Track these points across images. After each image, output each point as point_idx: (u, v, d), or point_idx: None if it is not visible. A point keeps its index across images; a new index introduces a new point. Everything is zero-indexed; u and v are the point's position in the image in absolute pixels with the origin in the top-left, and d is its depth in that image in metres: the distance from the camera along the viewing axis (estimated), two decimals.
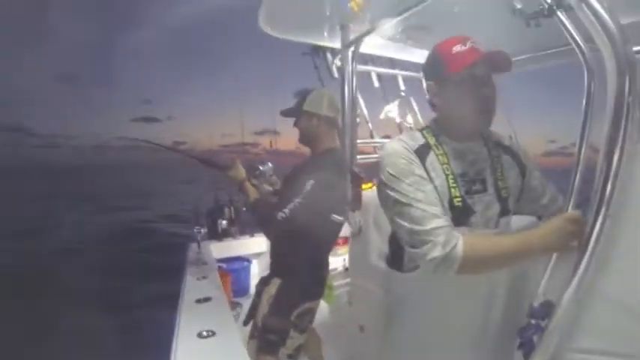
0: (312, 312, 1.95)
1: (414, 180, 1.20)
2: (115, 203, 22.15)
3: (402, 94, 2.63)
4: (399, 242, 1.27)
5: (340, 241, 3.69)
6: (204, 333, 1.54)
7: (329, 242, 2.05)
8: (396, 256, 1.48)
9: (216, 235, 3.30)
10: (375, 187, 1.38)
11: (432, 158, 1.27)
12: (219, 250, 3.18)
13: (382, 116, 2.54)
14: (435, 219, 1.14)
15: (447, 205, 1.23)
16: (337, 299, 2.35)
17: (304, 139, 2.00)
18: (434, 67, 1.29)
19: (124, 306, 6.07)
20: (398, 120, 2.59)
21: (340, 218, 1.85)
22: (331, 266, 2.79)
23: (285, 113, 2.05)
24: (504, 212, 1.34)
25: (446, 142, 1.32)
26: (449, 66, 1.22)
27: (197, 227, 2.75)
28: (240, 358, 1.40)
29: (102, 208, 20.18)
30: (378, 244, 1.98)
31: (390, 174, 1.22)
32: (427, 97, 1.36)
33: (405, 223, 1.17)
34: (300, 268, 1.90)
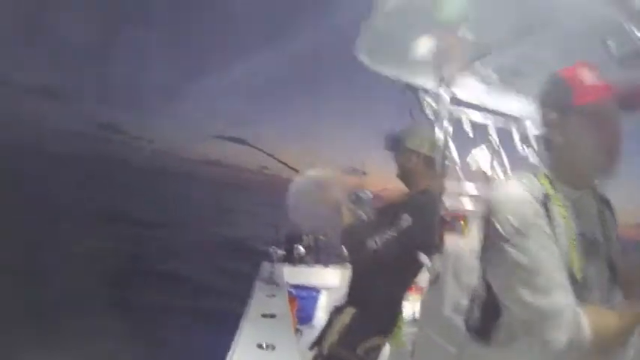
0: (379, 349, 1.91)
1: (541, 238, 0.97)
2: (196, 214, 23.14)
3: (490, 139, 2.54)
4: (496, 308, 1.06)
5: (412, 287, 3.57)
6: (264, 345, 1.54)
7: (409, 282, 2.02)
8: (487, 325, 1.15)
9: (292, 259, 3.32)
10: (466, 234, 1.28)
11: (554, 211, 1.01)
12: (292, 274, 3.17)
13: (469, 160, 2.47)
14: (561, 291, 0.93)
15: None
16: (404, 345, 2.25)
17: (402, 175, 1.99)
18: (559, 95, 1.07)
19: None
20: (489, 173, 2.49)
21: (428, 261, 1.81)
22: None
23: (388, 147, 2.03)
24: (613, 281, 1.11)
25: (562, 190, 1.07)
26: (580, 95, 1.01)
27: (274, 247, 2.79)
28: None
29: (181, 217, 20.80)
30: (455, 296, 1.87)
31: (513, 227, 0.97)
32: (539, 132, 1.19)
33: (525, 293, 0.94)
34: (377, 301, 1.87)
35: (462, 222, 2.21)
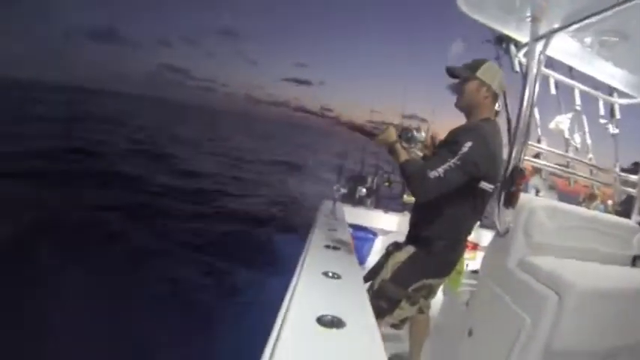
0: (430, 288, 1.91)
1: None
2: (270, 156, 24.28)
3: (577, 108, 2.43)
4: None
5: (470, 245, 3.57)
6: (330, 274, 1.56)
7: (472, 218, 1.92)
8: None
9: (353, 200, 3.36)
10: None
11: None
12: (351, 215, 3.20)
13: (552, 125, 2.38)
14: None
15: None
16: (455, 296, 2.27)
17: (465, 103, 1.91)
18: None
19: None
20: (567, 134, 2.40)
21: (491, 186, 1.76)
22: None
23: (455, 72, 1.94)
24: None
25: None
26: None
27: (337, 185, 2.82)
28: (363, 300, 1.41)
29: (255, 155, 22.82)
30: (521, 253, 1.88)
31: None
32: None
33: None
34: (436, 240, 1.85)
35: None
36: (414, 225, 1.99)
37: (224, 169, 15.66)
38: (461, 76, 1.90)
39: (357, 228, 3.18)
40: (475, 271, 2.29)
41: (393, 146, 1.87)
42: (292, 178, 15.87)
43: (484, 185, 1.74)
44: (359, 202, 3.41)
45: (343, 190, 2.89)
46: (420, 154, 2.05)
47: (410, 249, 1.89)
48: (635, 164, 2.53)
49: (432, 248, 1.84)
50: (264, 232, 7.63)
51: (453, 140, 1.71)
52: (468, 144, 1.63)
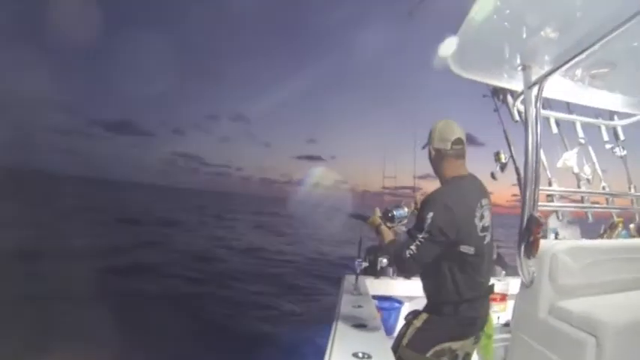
0: (452, 353, 1.85)
1: None
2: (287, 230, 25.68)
3: (581, 141, 2.47)
4: None
5: (497, 297, 3.50)
6: (360, 354, 1.54)
7: (469, 278, 1.85)
8: None
9: (375, 272, 3.35)
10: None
11: None
12: (375, 286, 3.19)
13: (560, 164, 2.40)
14: None
15: None
16: (495, 352, 2.21)
17: (434, 169, 1.99)
18: None
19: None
20: (576, 170, 2.43)
21: (471, 249, 1.74)
22: None
23: (424, 146, 2.02)
24: None
25: None
26: None
27: (358, 260, 2.82)
28: None
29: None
30: (551, 299, 1.86)
31: None
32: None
33: None
34: (442, 304, 1.85)
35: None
36: (425, 293, 2.00)
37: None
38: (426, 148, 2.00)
39: (382, 299, 3.15)
40: (507, 324, 2.25)
41: (378, 228, 1.99)
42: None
43: (463, 249, 1.75)
44: (381, 272, 3.40)
45: (365, 264, 2.89)
46: (405, 229, 2.10)
47: (424, 315, 1.90)
48: None
49: (443, 311, 1.85)
50: None
51: (419, 214, 1.77)
52: (430, 215, 1.68)
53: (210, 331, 6.76)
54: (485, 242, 1.82)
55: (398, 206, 2.10)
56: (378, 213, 2.06)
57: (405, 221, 2.11)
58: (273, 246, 18.05)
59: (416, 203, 2.16)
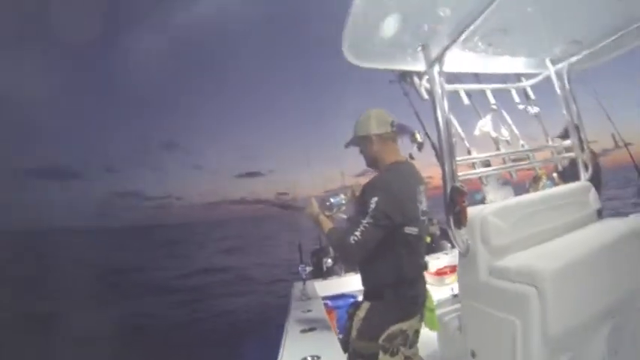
0: (403, 334, 1.90)
1: None
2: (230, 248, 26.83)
3: (494, 107, 2.59)
4: None
5: (447, 270, 3.61)
6: (309, 358, 1.58)
7: (412, 259, 1.95)
8: None
9: (321, 273, 3.36)
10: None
11: None
12: (325, 288, 3.23)
13: (477, 132, 2.51)
14: None
15: None
16: (446, 326, 2.29)
17: (368, 163, 2.03)
18: None
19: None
20: (493, 134, 2.54)
21: (415, 230, 1.83)
22: (439, 296, 2.73)
23: (347, 145, 2.08)
24: None
25: None
26: None
27: (302, 265, 2.81)
28: None
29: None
30: (488, 260, 1.94)
31: None
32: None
33: None
34: (385, 288, 1.89)
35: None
36: (362, 282, 2.04)
37: None
38: (353, 145, 2.05)
39: (334, 298, 3.18)
40: (457, 295, 2.33)
41: (317, 218, 1.99)
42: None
43: (408, 230, 1.82)
44: (328, 273, 3.43)
45: (309, 268, 2.90)
46: (345, 216, 2.14)
47: (366, 304, 1.93)
48: (565, 130, 2.69)
49: (384, 296, 1.88)
50: None
51: (362, 200, 1.80)
52: (374, 199, 1.72)
53: None
54: (425, 225, 1.90)
55: (335, 194, 2.12)
56: (315, 203, 2.05)
57: (343, 209, 2.14)
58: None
59: (352, 191, 2.18)
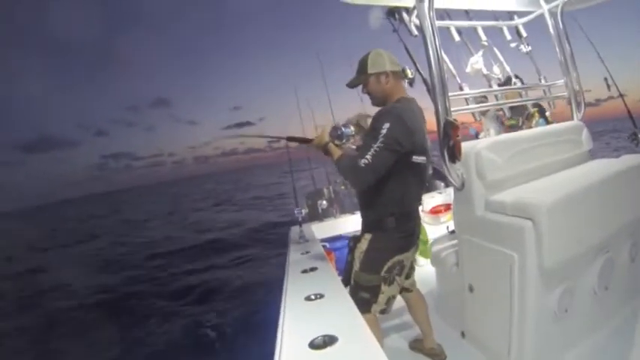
0: (401, 264, 1.92)
1: None
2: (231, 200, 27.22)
3: (485, 44, 2.52)
4: None
5: (442, 208, 3.63)
6: (313, 296, 1.55)
7: (416, 189, 1.95)
8: None
9: (317, 216, 3.37)
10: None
11: None
12: (321, 230, 3.23)
13: (468, 69, 2.45)
14: None
15: None
16: (443, 262, 2.31)
17: (377, 100, 1.98)
18: None
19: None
20: (485, 71, 2.49)
21: (423, 158, 1.82)
22: (434, 234, 2.73)
23: (353, 84, 2.03)
24: None
25: None
26: None
27: (297, 209, 2.80)
28: (349, 310, 1.40)
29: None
30: (483, 195, 1.94)
31: None
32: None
33: None
34: (388, 218, 1.87)
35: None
36: (363, 213, 2.03)
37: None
38: (360, 84, 1.98)
39: (331, 240, 3.19)
40: (453, 231, 2.34)
41: (326, 147, 1.94)
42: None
43: (415, 159, 1.80)
44: (324, 215, 3.43)
45: (305, 211, 2.88)
46: (354, 147, 2.09)
47: (367, 236, 1.93)
48: (507, 79, 2.65)
49: (385, 226, 1.88)
50: None
51: (373, 127, 1.77)
52: (386, 125, 1.69)
53: None
54: (429, 158, 1.89)
55: (345, 125, 2.06)
56: (327, 130, 2.01)
57: (352, 140, 2.09)
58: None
59: (357, 122, 2.15)
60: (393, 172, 1.77)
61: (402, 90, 1.95)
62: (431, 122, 1.93)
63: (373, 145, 1.69)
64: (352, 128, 2.06)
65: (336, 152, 1.91)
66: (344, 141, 2.01)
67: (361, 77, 1.96)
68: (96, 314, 7.38)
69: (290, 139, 2.12)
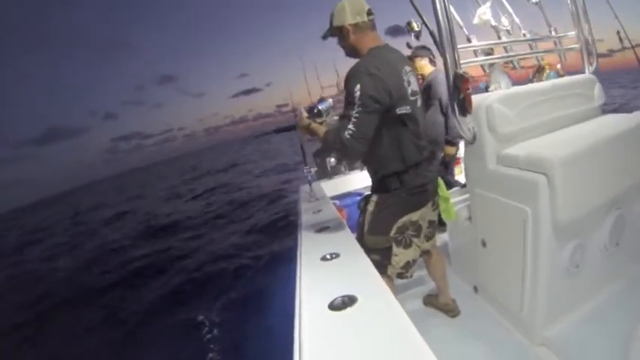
0: (414, 224, 1.86)
1: None
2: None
3: None
4: None
5: (456, 161, 3.59)
6: (328, 256, 1.54)
7: (410, 141, 1.82)
8: None
9: (327, 173, 3.34)
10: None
11: None
12: (331, 187, 3.21)
13: (476, 20, 2.36)
14: None
15: None
16: (455, 216, 2.27)
17: (347, 54, 1.89)
18: None
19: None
20: (493, 23, 2.39)
21: (407, 108, 1.72)
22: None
23: (325, 36, 1.94)
24: None
25: None
26: None
27: (306, 167, 2.76)
28: (367, 268, 1.39)
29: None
30: (495, 149, 1.90)
31: None
32: None
33: None
34: (389, 178, 1.82)
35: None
36: (369, 175, 1.98)
37: None
38: (331, 36, 1.90)
39: (342, 197, 3.17)
40: (464, 185, 2.30)
41: (309, 128, 1.90)
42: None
43: (400, 110, 1.71)
44: (334, 172, 3.40)
45: (314, 169, 2.83)
46: (337, 117, 2.03)
47: (374, 197, 1.88)
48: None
49: (390, 186, 1.82)
50: None
51: (346, 90, 1.69)
52: (357, 87, 1.61)
53: None
54: (417, 105, 1.80)
55: (321, 100, 1.99)
56: (305, 113, 1.95)
57: (333, 112, 2.03)
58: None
59: (339, 89, 2.08)
60: (382, 131, 1.70)
61: (371, 39, 1.82)
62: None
63: (352, 112, 1.62)
64: (330, 100, 1.99)
65: (320, 131, 1.85)
66: (325, 117, 1.95)
67: (329, 31, 1.89)
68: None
69: (277, 130, 2.09)
